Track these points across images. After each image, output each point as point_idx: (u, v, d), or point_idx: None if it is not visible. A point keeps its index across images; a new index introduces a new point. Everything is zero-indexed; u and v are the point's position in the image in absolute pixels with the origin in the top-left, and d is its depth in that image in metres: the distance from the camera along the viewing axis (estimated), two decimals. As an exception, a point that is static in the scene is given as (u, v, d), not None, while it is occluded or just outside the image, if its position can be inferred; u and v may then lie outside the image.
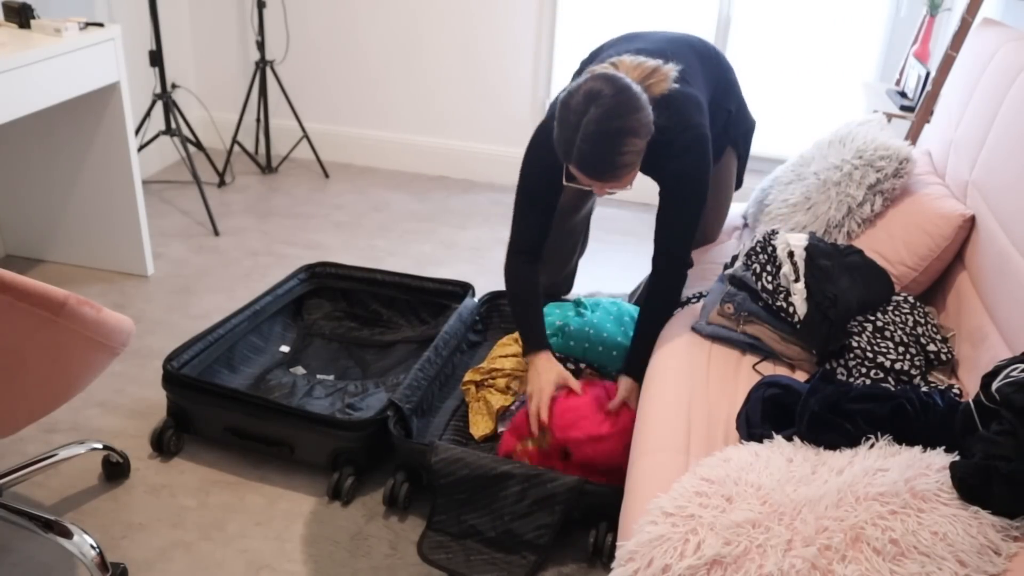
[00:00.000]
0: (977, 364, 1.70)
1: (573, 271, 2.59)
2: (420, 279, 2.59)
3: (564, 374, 1.96)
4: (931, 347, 1.77)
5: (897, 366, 1.70)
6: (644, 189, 3.64)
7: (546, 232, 2.04)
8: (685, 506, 1.26)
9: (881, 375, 1.69)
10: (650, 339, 1.94)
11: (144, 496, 1.97)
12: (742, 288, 1.86)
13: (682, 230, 1.92)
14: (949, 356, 1.78)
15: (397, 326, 2.62)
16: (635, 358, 1.96)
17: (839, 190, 2.10)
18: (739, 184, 2.39)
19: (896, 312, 1.83)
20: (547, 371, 1.96)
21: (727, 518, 1.22)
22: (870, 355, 1.71)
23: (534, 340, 2.01)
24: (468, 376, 2.22)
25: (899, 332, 1.77)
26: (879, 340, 1.74)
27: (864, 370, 1.70)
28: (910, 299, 1.88)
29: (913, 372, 1.70)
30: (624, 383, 1.95)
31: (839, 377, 1.71)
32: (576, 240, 2.49)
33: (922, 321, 1.82)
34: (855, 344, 1.73)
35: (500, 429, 2.13)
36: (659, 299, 1.98)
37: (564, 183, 1.87)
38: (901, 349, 1.73)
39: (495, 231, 3.42)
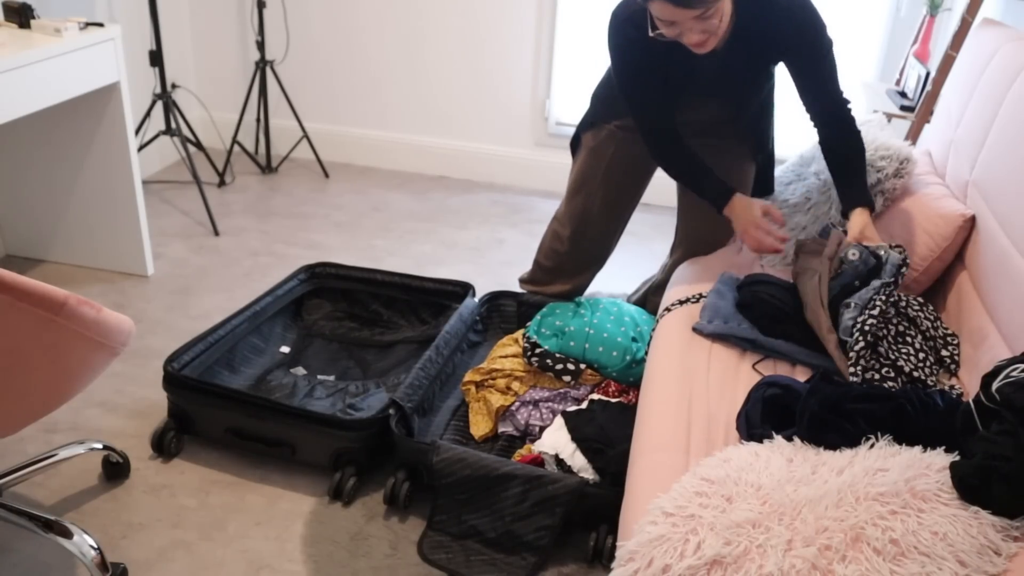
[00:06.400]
0: (977, 364, 1.70)
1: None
2: (420, 279, 2.59)
3: (764, 204, 1.97)
4: (944, 352, 1.77)
5: (916, 374, 1.68)
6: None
7: (671, 108, 2.05)
8: (685, 506, 1.26)
9: (893, 373, 1.68)
10: (860, 175, 1.95)
11: (144, 496, 1.97)
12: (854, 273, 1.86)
13: (828, 79, 1.94)
14: (958, 360, 1.77)
15: (397, 326, 2.62)
16: (855, 192, 1.94)
17: (839, 190, 2.09)
18: (770, 189, 2.39)
19: (909, 308, 1.83)
20: (747, 209, 1.99)
21: (727, 518, 1.22)
22: (892, 356, 1.70)
23: (718, 194, 2.02)
24: (468, 376, 2.22)
25: (919, 338, 1.76)
26: (900, 345, 1.74)
27: (878, 365, 1.69)
28: (919, 300, 1.87)
29: (930, 384, 1.69)
30: (858, 215, 1.92)
31: (849, 355, 1.69)
32: (613, 244, 2.49)
33: (931, 319, 1.82)
34: (880, 346, 1.71)
35: (500, 429, 2.13)
36: (846, 148, 1.97)
37: (650, 34, 1.83)
38: (922, 355, 1.73)
39: (495, 231, 3.42)
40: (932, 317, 1.83)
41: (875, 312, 1.70)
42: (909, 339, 1.75)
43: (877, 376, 1.67)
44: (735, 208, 2.01)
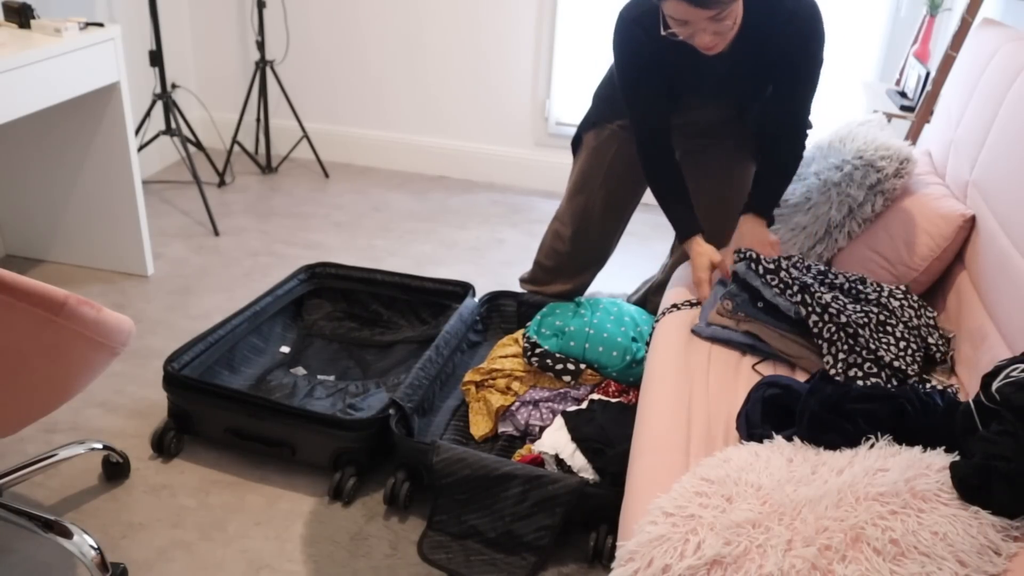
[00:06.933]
0: (977, 364, 1.70)
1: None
2: (420, 279, 2.59)
3: (714, 257, 2.00)
4: (930, 339, 1.77)
5: (896, 364, 1.69)
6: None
7: (667, 116, 2.04)
8: (685, 506, 1.26)
9: (876, 370, 1.68)
10: (778, 191, 2.02)
11: (144, 496, 1.97)
12: (744, 289, 1.86)
13: (804, 95, 1.96)
14: (946, 349, 1.78)
15: (397, 326, 2.62)
16: (763, 200, 2.01)
17: (839, 190, 2.10)
18: None
19: (892, 298, 1.83)
20: (700, 256, 2.01)
21: (727, 518, 1.22)
22: (872, 346, 1.71)
23: (686, 225, 2.06)
24: (468, 376, 2.22)
25: (900, 326, 1.76)
26: (881, 335, 1.74)
27: (860, 360, 1.70)
28: (903, 288, 1.88)
29: (911, 372, 1.69)
30: (749, 220, 1.98)
31: (832, 364, 1.71)
32: (614, 244, 2.49)
33: (916, 307, 1.82)
34: (860, 335, 1.72)
35: (500, 429, 2.13)
36: (784, 166, 2.03)
37: (662, 33, 1.81)
38: (903, 344, 1.73)
39: (495, 231, 3.42)
40: (916, 305, 1.83)
41: (804, 298, 1.77)
42: (890, 328, 1.76)
43: (860, 372, 1.67)
44: (694, 248, 2.03)
